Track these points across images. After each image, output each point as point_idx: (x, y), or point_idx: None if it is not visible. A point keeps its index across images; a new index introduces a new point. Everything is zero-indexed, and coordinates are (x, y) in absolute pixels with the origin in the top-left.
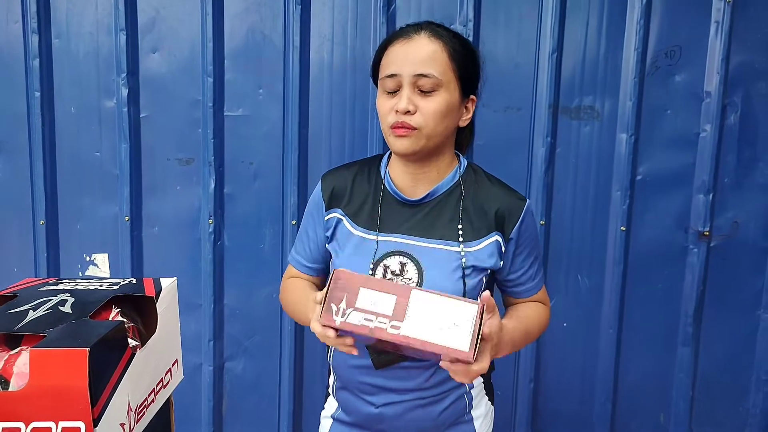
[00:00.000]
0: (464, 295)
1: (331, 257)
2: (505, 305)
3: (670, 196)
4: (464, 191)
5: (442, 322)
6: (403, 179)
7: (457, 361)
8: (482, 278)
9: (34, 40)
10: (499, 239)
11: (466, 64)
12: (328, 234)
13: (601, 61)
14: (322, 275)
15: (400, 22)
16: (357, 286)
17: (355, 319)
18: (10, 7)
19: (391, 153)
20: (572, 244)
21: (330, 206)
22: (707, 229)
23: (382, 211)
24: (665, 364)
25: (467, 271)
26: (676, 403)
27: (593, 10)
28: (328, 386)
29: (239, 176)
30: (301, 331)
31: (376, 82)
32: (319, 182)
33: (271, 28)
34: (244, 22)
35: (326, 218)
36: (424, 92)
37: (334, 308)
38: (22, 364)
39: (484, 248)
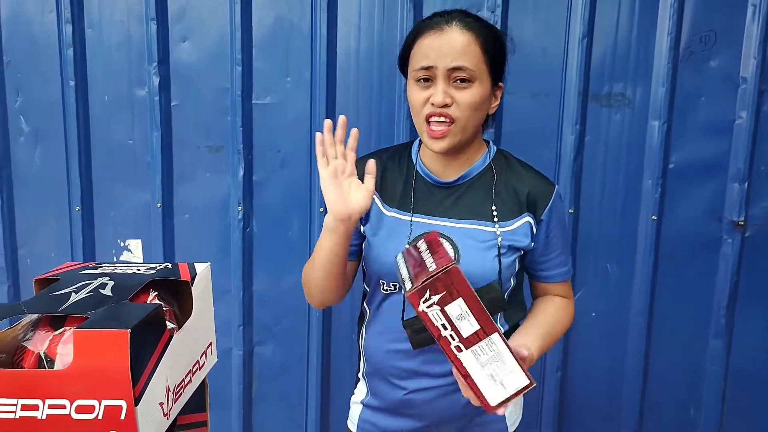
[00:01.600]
0: (499, 274)
1: (365, 239)
2: (533, 295)
3: (704, 184)
4: (496, 174)
5: (495, 373)
6: (436, 163)
7: (480, 400)
8: (516, 259)
9: (68, 29)
10: (531, 220)
11: (497, 54)
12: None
13: (632, 47)
14: (353, 259)
15: (426, 10)
16: (461, 293)
17: (435, 316)
18: None
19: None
20: (601, 233)
21: None
22: (742, 218)
23: (415, 193)
24: (696, 357)
25: (503, 251)
26: (707, 396)
27: None
28: (358, 371)
29: (267, 164)
30: (328, 316)
31: (404, 72)
32: None
33: (298, 17)
34: (272, 10)
35: None
36: (459, 84)
37: (428, 294)
38: (66, 344)
39: (518, 228)
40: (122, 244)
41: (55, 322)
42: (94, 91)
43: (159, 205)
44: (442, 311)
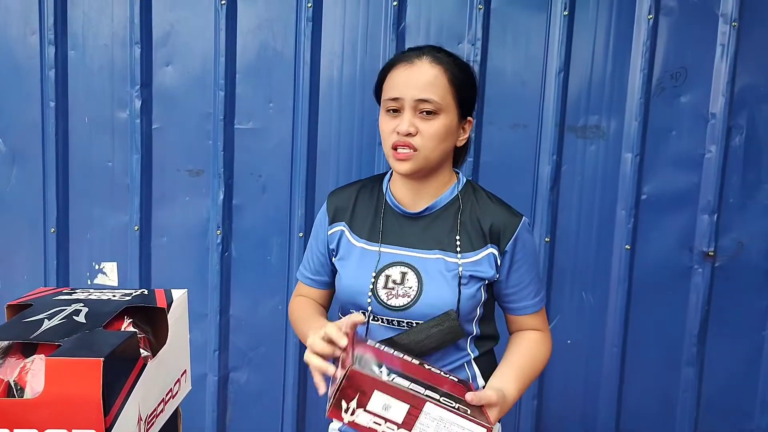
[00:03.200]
0: (458, 304)
1: (336, 272)
2: (508, 330)
3: (675, 215)
4: (462, 205)
5: None
6: (405, 194)
7: None
8: (480, 288)
9: (50, 51)
10: (494, 252)
11: (465, 88)
12: (333, 247)
13: (607, 81)
14: (327, 289)
15: (409, 40)
16: (372, 388)
17: (363, 420)
18: (28, 19)
19: (391, 171)
20: (577, 262)
21: (334, 220)
22: (712, 249)
23: (384, 223)
24: (669, 384)
25: (464, 281)
26: (681, 423)
27: (600, 31)
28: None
29: (248, 188)
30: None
31: (378, 101)
32: (326, 200)
33: (282, 44)
34: (257, 37)
35: (330, 232)
36: (425, 115)
37: (344, 405)
38: (36, 372)
39: (482, 259)
40: (97, 267)
41: (26, 349)
42: (74, 113)
43: (136, 227)
44: (366, 411)
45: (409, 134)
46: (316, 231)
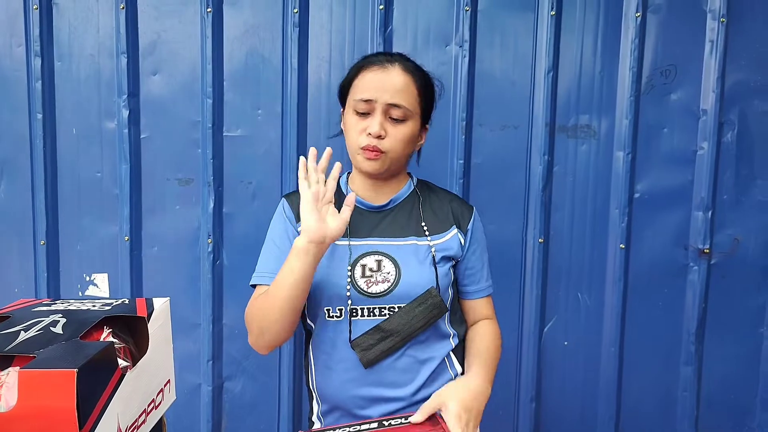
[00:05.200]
0: (436, 281)
1: None
2: (465, 317)
3: (669, 213)
4: (421, 197)
5: None
6: (366, 190)
7: None
8: (450, 268)
9: (36, 62)
10: (458, 233)
11: (429, 99)
12: None
13: (596, 80)
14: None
15: (396, 43)
16: None
17: None
18: (14, 30)
19: (348, 173)
20: (571, 262)
21: (299, 219)
22: (707, 246)
23: (350, 219)
24: (668, 383)
25: (437, 260)
26: (681, 422)
27: (588, 30)
28: (310, 415)
29: (238, 196)
30: (300, 351)
31: (342, 100)
32: (282, 201)
33: (269, 51)
34: (244, 44)
35: (299, 228)
36: (394, 120)
37: None
38: (10, 385)
39: (449, 240)
40: (88, 279)
41: (1, 362)
42: (62, 124)
43: (126, 238)
44: None
45: (379, 136)
46: (279, 228)
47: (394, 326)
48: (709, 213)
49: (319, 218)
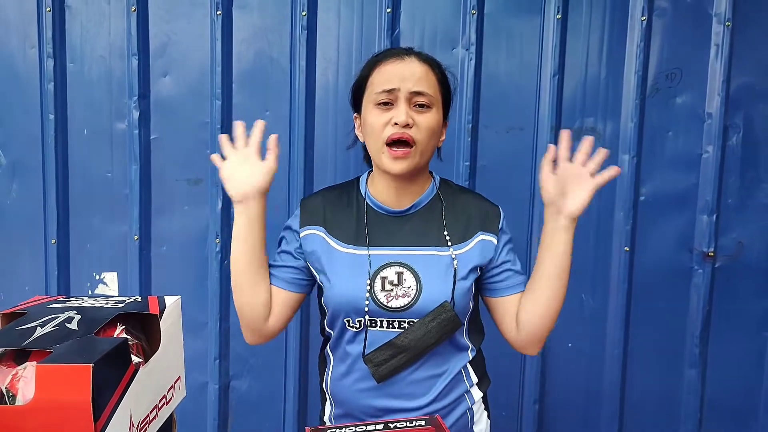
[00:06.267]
0: (452, 295)
1: (314, 283)
2: (504, 322)
3: (674, 216)
4: (444, 201)
5: None
6: (387, 194)
7: None
8: (473, 280)
9: (49, 64)
10: (485, 237)
11: (447, 90)
12: (310, 250)
13: (602, 83)
14: (292, 290)
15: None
16: None
17: None
18: (27, 33)
19: (369, 173)
20: (576, 265)
21: (307, 224)
22: (712, 249)
23: (369, 226)
24: (672, 386)
25: (462, 273)
26: (685, 424)
27: (594, 34)
28: (322, 415)
29: None
30: (306, 347)
31: (355, 106)
32: (298, 208)
33: (278, 53)
34: (252, 46)
35: (303, 234)
36: (419, 109)
37: None
38: (28, 378)
39: (473, 248)
40: (98, 277)
41: (19, 357)
42: (73, 125)
43: (136, 237)
44: None
45: (407, 125)
46: (287, 234)
47: (407, 342)
48: (714, 216)
49: (243, 175)
